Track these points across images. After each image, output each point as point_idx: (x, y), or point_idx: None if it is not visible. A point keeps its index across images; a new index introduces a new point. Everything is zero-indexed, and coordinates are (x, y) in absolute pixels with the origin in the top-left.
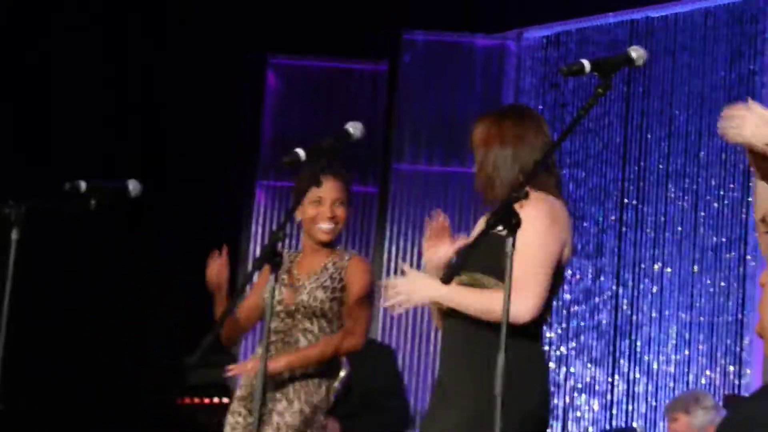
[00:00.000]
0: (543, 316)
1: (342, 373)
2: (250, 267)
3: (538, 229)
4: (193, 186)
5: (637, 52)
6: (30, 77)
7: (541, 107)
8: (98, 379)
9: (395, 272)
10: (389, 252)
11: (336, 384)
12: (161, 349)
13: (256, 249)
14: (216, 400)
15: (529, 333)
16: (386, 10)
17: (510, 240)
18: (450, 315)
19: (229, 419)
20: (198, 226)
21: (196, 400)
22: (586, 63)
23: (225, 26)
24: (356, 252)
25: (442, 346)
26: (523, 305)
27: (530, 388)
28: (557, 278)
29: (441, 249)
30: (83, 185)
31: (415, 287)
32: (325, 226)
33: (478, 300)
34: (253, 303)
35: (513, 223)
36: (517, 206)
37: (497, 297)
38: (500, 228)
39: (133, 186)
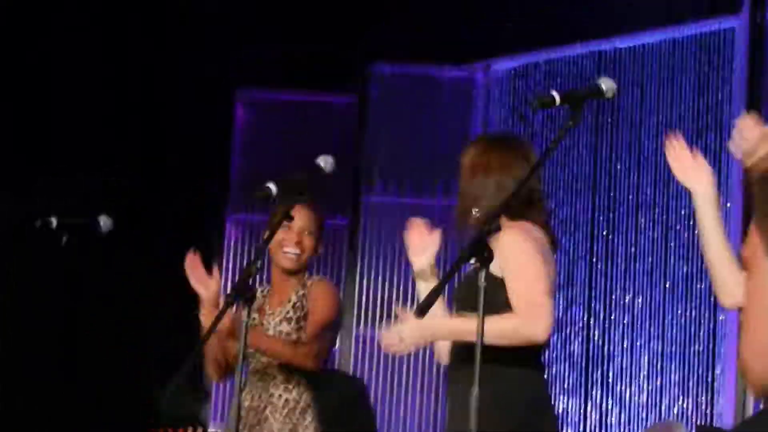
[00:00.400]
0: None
1: None
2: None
3: (525, 249)
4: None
5: (606, 84)
6: (30, 77)
7: None
8: (97, 380)
9: (367, 304)
10: (360, 284)
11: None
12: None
13: (227, 285)
14: (190, 430)
15: (533, 362)
16: (353, 42)
17: (482, 273)
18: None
19: None
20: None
21: (170, 430)
22: (557, 95)
23: (225, 26)
24: (322, 277)
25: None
26: (541, 325)
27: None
28: None
29: (425, 248)
30: (54, 222)
31: (413, 332)
32: (290, 250)
33: (491, 326)
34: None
35: (485, 257)
36: (494, 237)
37: (509, 321)
38: (473, 261)
39: (104, 222)
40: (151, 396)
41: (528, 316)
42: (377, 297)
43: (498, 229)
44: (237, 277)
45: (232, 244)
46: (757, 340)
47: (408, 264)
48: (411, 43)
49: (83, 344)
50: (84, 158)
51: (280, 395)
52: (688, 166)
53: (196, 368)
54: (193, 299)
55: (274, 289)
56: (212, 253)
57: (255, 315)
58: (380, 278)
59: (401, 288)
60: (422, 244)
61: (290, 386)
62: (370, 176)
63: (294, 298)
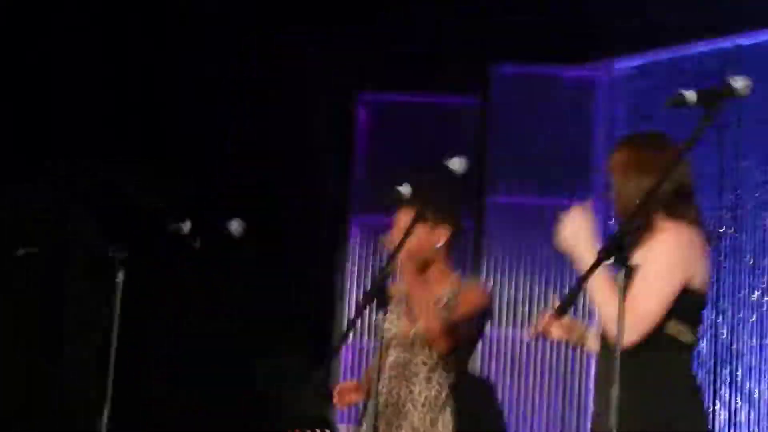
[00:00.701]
0: (690, 338)
1: None
2: (346, 304)
3: (669, 259)
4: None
5: (739, 83)
6: (30, 77)
7: None
8: (205, 415)
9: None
10: (487, 282)
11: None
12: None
13: (352, 287)
14: None
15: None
16: (473, 42)
17: (621, 273)
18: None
19: None
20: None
21: None
22: (691, 95)
23: (225, 26)
24: (477, 281)
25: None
26: (629, 336)
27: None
28: (694, 303)
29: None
30: (187, 226)
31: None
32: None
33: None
34: None
35: (624, 256)
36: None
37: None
38: (611, 261)
39: (235, 226)
40: (281, 399)
41: (633, 319)
42: (503, 298)
43: (645, 227)
44: (360, 279)
45: (357, 245)
46: None
47: (534, 263)
48: (532, 43)
49: (212, 347)
50: (84, 157)
51: (420, 391)
52: None
53: (324, 370)
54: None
55: (423, 283)
56: (337, 256)
57: (401, 306)
58: (506, 279)
59: (527, 289)
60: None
61: (431, 384)
62: (494, 178)
63: (448, 295)
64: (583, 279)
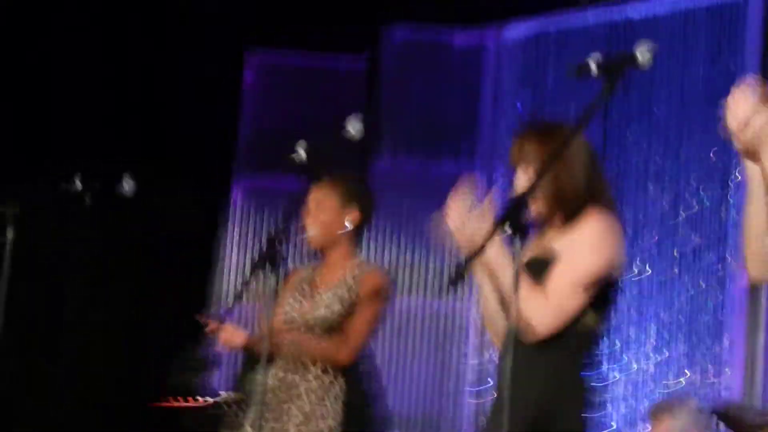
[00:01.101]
0: (598, 330)
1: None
2: (226, 267)
3: (597, 248)
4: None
5: (643, 54)
6: (30, 77)
7: (519, 105)
8: (83, 380)
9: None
10: (368, 248)
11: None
12: (145, 350)
13: (233, 250)
14: (200, 400)
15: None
16: (364, 4)
17: (517, 241)
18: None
19: (248, 429)
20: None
21: (180, 401)
22: (593, 64)
23: (225, 26)
24: (378, 266)
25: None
26: (546, 323)
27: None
28: (611, 290)
29: (467, 220)
30: (78, 183)
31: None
32: (307, 233)
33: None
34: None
35: (520, 225)
36: (583, 218)
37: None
38: (507, 229)
39: (127, 183)
40: (161, 367)
41: (545, 302)
42: (382, 263)
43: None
44: (243, 241)
45: (239, 208)
46: None
47: (415, 229)
48: (424, 8)
49: (71, 343)
50: (84, 157)
51: (317, 375)
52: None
53: (204, 339)
54: (203, 267)
55: (326, 266)
56: (220, 216)
57: (306, 286)
58: (386, 243)
59: (407, 254)
60: (461, 213)
61: (327, 371)
62: (379, 141)
63: (350, 281)
64: (482, 248)
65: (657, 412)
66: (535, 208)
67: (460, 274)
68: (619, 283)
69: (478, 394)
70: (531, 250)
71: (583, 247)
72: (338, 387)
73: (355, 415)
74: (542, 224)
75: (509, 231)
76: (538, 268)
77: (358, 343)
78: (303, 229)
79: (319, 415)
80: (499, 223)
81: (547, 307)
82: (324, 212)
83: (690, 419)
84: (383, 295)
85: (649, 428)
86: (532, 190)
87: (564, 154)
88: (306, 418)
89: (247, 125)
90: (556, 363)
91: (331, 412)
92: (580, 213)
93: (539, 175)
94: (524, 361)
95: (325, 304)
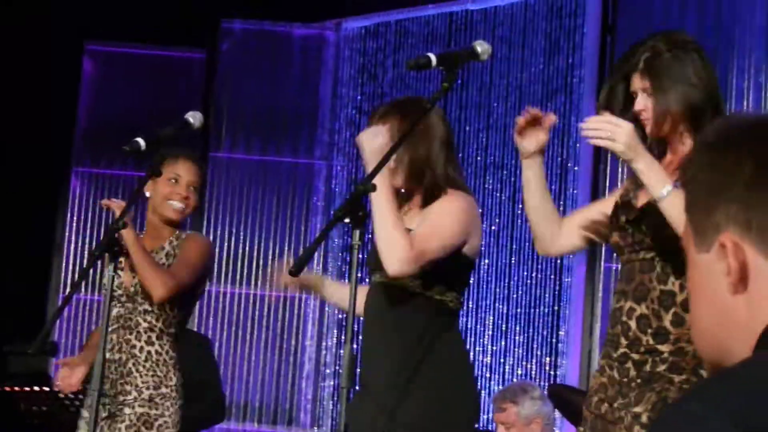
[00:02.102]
0: (457, 304)
1: None
2: (65, 256)
3: (455, 218)
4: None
5: (482, 47)
6: None
7: (359, 97)
8: None
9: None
10: (209, 237)
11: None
12: None
13: (71, 239)
14: (36, 388)
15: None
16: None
17: (357, 232)
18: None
19: (84, 414)
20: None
21: (17, 388)
22: (433, 57)
23: (66, 16)
24: (197, 232)
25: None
26: (409, 266)
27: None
28: (465, 269)
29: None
30: None
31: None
32: (177, 204)
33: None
34: None
35: (359, 216)
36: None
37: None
38: (347, 220)
39: None
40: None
41: (412, 251)
42: (222, 254)
43: (373, 188)
44: (80, 230)
45: (77, 196)
46: (701, 328)
47: (254, 221)
48: (264, 1)
49: None
50: None
51: (142, 347)
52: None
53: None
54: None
55: (146, 237)
56: (58, 205)
57: (123, 258)
58: (226, 234)
59: (247, 245)
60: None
61: (153, 337)
62: (218, 133)
63: (168, 248)
64: (320, 239)
65: (501, 399)
66: (395, 182)
67: (299, 265)
68: (474, 265)
69: (316, 381)
70: None
71: (442, 213)
72: (172, 373)
73: (193, 400)
74: (403, 203)
75: (348, 221)
76: None
77: (177, 280)
78: (168, 201)
79: (156, 395)
80: (338, 214)
81: (411, 249)
82: (193, 193)
83: (533, 406)
84: (204, 249)
85: (493, 416)
86: (387, 158)
87: (420, 126)
88: (141, 396)
89: (85, 114)
90: (413, 342)
91: (168, 396)
92: (439, 194)
93: (396, 144)
94: (381, 342)
95: None
